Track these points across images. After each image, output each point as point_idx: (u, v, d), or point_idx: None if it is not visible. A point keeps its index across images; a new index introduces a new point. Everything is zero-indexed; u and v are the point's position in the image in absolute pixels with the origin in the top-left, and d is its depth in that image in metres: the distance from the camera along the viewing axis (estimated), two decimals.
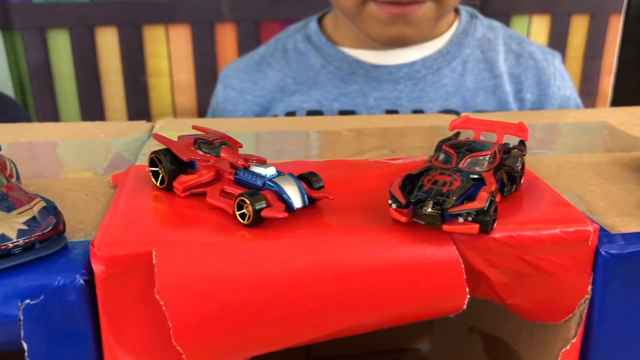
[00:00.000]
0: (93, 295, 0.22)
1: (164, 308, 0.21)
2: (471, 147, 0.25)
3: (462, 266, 0.23)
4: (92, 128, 0.39)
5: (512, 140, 0.28)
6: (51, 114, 1.07)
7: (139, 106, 1.11)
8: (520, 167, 0.26)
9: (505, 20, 1.20)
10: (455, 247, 0.23)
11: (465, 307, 0.23)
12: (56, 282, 0.22)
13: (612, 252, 0.24)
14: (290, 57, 0.61)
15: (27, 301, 0.22)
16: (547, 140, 0.37)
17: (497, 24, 0.64)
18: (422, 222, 0.23)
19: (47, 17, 1.05)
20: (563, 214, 0.25)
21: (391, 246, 0.23)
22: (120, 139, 0.36)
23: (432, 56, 0.59)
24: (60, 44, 1.07)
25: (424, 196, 0.23)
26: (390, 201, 0.23)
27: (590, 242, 0.24)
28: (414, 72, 0.58)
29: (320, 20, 0.63)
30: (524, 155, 0.27)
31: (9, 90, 1.05)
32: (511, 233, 0.23)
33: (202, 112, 1.10)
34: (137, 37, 1.09)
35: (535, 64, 0.61)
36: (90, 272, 0.22)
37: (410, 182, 0.24)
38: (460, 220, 0.22)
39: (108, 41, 1.08)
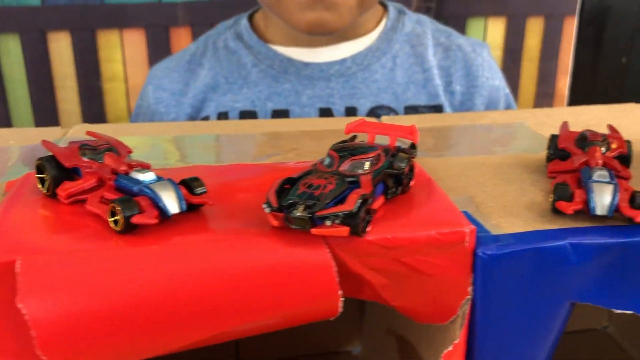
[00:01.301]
0: None
1: (26, 317, 0.21)
2: (354, 151, 0.25)
3: (335, 269, 0.23)
4: (3, 134, 0.38)
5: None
6: (4, 119, 1.06)
7: (94, 111, 1.10)
8: (407, 169, 0.27)
9: (462, 22, 1.22)
10: (328, 251, 0.23)
11: (340, 311, 0.23)
12: None
13: (489, 252, 0.24)
14: (221, 56, 0.61)
15: None
16: (458, 142, 0.37)
17: (425, 19, 0.65)
18: (293, 226, 0.23)
19: None
20: (443, 215, 0.25)
21: (263, 251, 0.23)
22: (28, 145, 0.36)
23: (362, 53, 0.59)
24: (11, 49, 1.05)
25: (296, 200, 0.23)
26: (264, 205, 0.23)
27: (466, 243, 0.24)
28: (344, 69, 0.59)
29: (251, 18, 0.63)
30: (413, 158, 0.27)
31: None
32: (386, 235, 0.24)
33: None
34: (91, 41, 1.08)
35: (463, 56, 0.61)
36: None
37: (291, 185, 0.24)
38: (328, 223, 0.22)
39: (61, 45, 1.07)
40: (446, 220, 0.25)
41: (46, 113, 1.08)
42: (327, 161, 0.25)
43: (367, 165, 0.25)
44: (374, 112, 0.59)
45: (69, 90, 1.09)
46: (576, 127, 0.33)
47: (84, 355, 0.22)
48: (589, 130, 0.31)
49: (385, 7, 0.63)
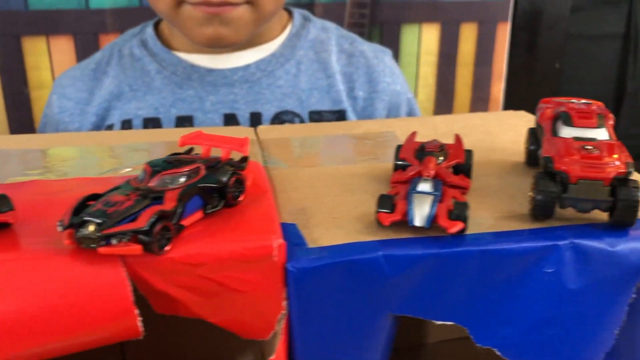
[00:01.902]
0: None
1: None
2: (167, 165, 0.25)
3: (129, 289, 0.22)
4: None
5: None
6: None
7: (22, 119, 1.08)
8: (232, 183, 0.26)
9: (396, 28, 1.23)
10: (124, 270, 0.22)
11: (141, 330, 0.23)
12: None
13: (298, 266, 0.24)
14: (125, 63, 0.61)
15: None
16: (323, 152, 0.37)
17: (330, 25, 0.65)
18: (82, 245, 0.22)
19: None
20: (257, 230, 0.25)
21: (58, 271, 0.22)
22: None
23: (266, 59, 0.59)
24: None
25: (88, 218, 0.22)
26: (58, 223, 0.22)
27: (275, 258, 0.24)
28: (249, 74, 0.58)
29: (157, 26, 0.63)
30: (239, 170, 0.27)
31: None
32: (189, 252, 0.23)
33: None
34: (16, 48, 1.05)
35: (366, 62, 0.62)
36: None
37: (93, 201, 0.24)
38: (114, 242, 0.22)
39: None
40: (257, 235, 0.24)
41: None
42: (140, 176, 0.25)
43: (182, 179, 0.25)
44: (279, 117, 0.58)
45: None
46: (443, 135, 0.33)
47: None
48: (433, 141, 0.31)
49: (290, 14, 0.63)
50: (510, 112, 0.45)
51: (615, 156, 0.27)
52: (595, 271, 0.26)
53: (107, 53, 0.63)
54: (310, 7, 1.14)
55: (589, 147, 0.27)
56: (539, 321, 0.26)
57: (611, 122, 0.30)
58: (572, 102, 0.31)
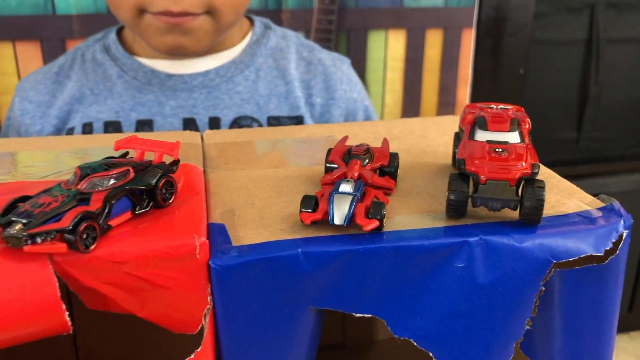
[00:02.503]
0: None
1: None
2: (97, 168, 0.26)
3: (56, 285, 0.23)
4: None
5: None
6: None
7: None
8: (162, 185, 0.28)
9: (363, 35, 1.25)
10: (51, 267, 0.24)
11: (70, 325, 0.24)
12: None
13: (220, 263, 0.25)
14: (87, 68, 0.62)
15: None
16: (262, 156, 0.38)
17: (290, 34, 0.67)
18: (9, 244, 0.23)
19: None
20: (182, 229, 0.26)
21: None
22: None
23: (225, 65, 0.60)
24: None
25: (14, 218, 0.23)
26: None
27: (198, 256, 0.25)
28: (208, 80, 0.60)
29: (120, 31, 0.64)
30: (170, 173, 0.28)
31: None
32: (114, 250, 0.24)
33: None
34: None
35: (324, 70, 0.64)
36: None
37: (23, 202, 0.25)
38: (39, 240, 0.23)
39: None
40: (182, 234, 0.26)
41: None
42: (71, 179, 0.26)
43: (110, 182, 0.26)
44: (238, 122, 0.60)
45: None
46: (379, 139, 0.35)
47: None
48: (361, 145, 0.33)
49: (252, 22, 0.64)
50: (446, 117, 0.46)
51: (523, 158, 0.28)
52: (503, 266, 0.28)
53: (69, 57, 0.64)
54: (277, 13, 1.16)
55: (499, 150, 0.29)
56: (451, 314, 0.28)
57: (527, 126, 0.32)
58: (492, 107, 0.33)
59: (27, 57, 1.07)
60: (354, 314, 0.27)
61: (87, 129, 0.60)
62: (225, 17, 0.56)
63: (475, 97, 1.34)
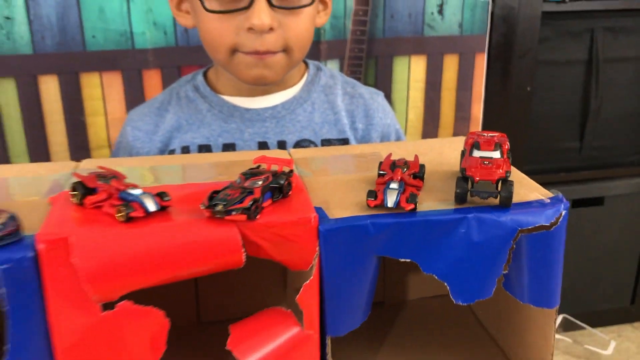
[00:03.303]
0: (37, 263, 0.41)
1: (77, 266, 0.40)
2: (252, 175, 0.46)
3: (239, 238, 0.43)
4: (35, 168, 0.57)
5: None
6: (1, 152, 1.23)
7: (79, 141, 1.28)
8: (286, 184, 0.47)
9: (389, 60, 1.43)
10: (237, 229, 0.43)
11: (244, 261, 0.43)
12: (17, 255, 0.41)
13: (324, 228, 0.44)
14: (182, 103, 0.81)
15: (4, 265, 0.40)
16: (333, 166, 0.58)
17: (336, 73, 0.86)
18: (217, 216, 0.43)
19: None
20: (301, 209, 0.45)
21: (200, 229, 0.43)
22: (55, 174, 0.55)
23: (289, 101, 0.80)
24: (8, 91, 1.23)
25: (218, 202, 0.43)
26: (201, 205, 0.43)
27: (312, 223, 0.44)
28: (276, 112, 0.79)
29: (205, 73, 0.84)
30: (289, 178, 0.48)
31: None
32: (268, 220, 0.44)
33: None
34: (75, 83, 1.26)
35: (364, 102, 0.83)
36: (34, 250, 0.41)
37: (217, 193, 0.44)
38: (234, 213, 0.42)
39: (50, 87, 1.25)
40: (302, 211, 0.45)
41: (38, 144, 1.26)
42: (238, 181, 0.46)
43: (260, 182, 0.45)
44: (299, 144, 0.79)
45: (57, 124, 1.27)
46: (410, 154, 0.54)
47: (113, 284, 0.41)
48: (401, 159, 0.52)
49: (306, 65, 0.84)
50: (458, 138, 0.65)
51: (501, 167, 0.47)
52: (489, 232, 0.46)
53: (167, 95, 0.84)
54: (316, 44, 1.36)
55: (486, 162, 0.48)
56: (457, 260, 0.46)
57: (506, 146, 0.50)
58: (484, 135, 0.52)
59: (110, 84, 1.28)
60: (398, 258, 0.46)
61: (185, 150, 0.80)
62: (296, 54, 0.76)
63: (488, 112, 1.51)
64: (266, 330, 0.46)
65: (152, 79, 1.29)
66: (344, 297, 0.46)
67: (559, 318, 1.69)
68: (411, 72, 1.44)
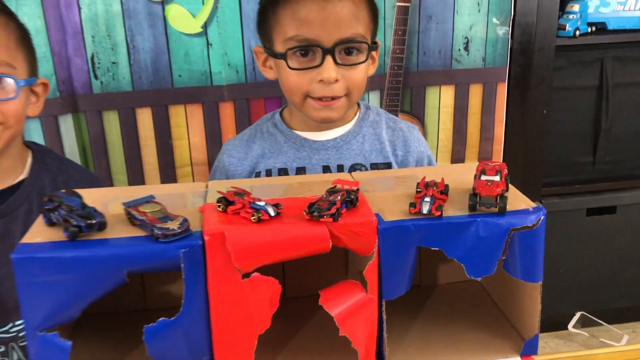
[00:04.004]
0: (203, 249, 0.66)
1: (231, 253, 0.65)
2: (334, 191, 0.70)
3: (327, 233, 0.67)
4: (171, 188, 0.83)
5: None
6: (105, 170, 1.51)
7: (167, 161, 1.55)
8: (355, 198, 0.71)
9: (422, 90, 1.67)
10: (326, 227, 0.67)
11: (330, 247, 0.68)
12: (191, 243, 0.66)
13: (381, 227, 0.68)
14: (265, 137, 1.07)
15: (183, 250, 0.65)
16: (383, 185, 0.82)
17: (381, 111, 1.10)
18: (313, 219, 0.67)
19: (103, 102, 1.50)
20: (365, 215, 0.70)
21: (303, 227, 0.67)
22: (194, 191, 0.80)
23: (345, 134, 1.05)
24: (112, 121, 1.51)
25: (314, 209, 0.67)
26: (304, 211, 0.68)
27: (374, 224, 0.68)
28: (336, 143, 1.04)
29: (281, 113, 1.09)
30: (357, 192, 0.72)
31: (76, 155, 1.48)
32: (345, 221, 0.68)
33: (210, 163, 1.54)
34: (165, 113, 1.53)
35: (403, 134, 1.07)
36: (202, 240, 0.66)
37: (312, 204, 0.69)
38: (324, 217, 0.66)
39: (145, 117, 1.52)
40: (367, 216, 0.69)
41: (134, 163, 1.53)
42: (325, 195, 0.70)
43: (339, 197, 0.70)
44: (353, 167, 1.04)
45: (150, 147, 1.54)
46: (438, 176, 0.77)
47: (250, 261, 0.66)
48: (432, 180, 0.76)
49: (358, 105, 1.09)
50: (472, 165, 0.88)
51: (500, 187, 0.71)
52: (491, 229, 0.69)
53: (253, 130, 1.10)
54: None
55: (489, 183, 0.71)
56: (470, 248, 0.70)
57: (505, 172, 0.74)
58: (489, 164, 0.75)
59: (193, 115, 1.55)
60: (431, 247, 0.70)
61: (268, 172, 1.05)
62: (354, 97, 1.00)
63: (509, 133, 1.72)
64: (344, 293, 0.71)
65: (226, 110, 1.56)
66: (394, 273, 0.70)
67: (577, 315, 1.88)
68: (441, 99, 1.66)
